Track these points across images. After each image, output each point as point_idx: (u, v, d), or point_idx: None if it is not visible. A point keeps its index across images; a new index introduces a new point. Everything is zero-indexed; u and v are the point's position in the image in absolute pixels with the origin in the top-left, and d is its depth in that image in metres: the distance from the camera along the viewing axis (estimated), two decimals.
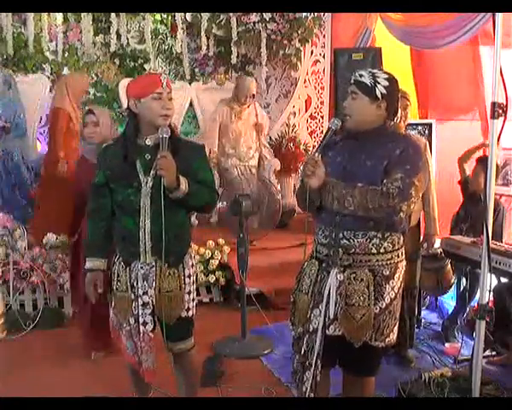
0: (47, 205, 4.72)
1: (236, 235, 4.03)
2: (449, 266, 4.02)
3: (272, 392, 3.24)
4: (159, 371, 2.63)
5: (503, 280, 3.62)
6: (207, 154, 3.33)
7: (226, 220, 4.40)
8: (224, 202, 4.62)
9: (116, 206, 2.55)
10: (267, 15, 5.94)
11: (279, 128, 6.45)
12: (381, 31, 5.85)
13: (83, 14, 5.82)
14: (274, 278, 4.72)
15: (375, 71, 2.36)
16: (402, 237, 2.40)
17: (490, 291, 2.47)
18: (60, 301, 4.59)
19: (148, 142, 2.48)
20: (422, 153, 2.36)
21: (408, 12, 4.93)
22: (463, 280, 4.12)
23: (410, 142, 2.36)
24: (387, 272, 2.32)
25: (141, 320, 2.52)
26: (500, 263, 3.22)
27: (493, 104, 2.36)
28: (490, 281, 2.45)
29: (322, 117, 6.65)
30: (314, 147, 2.44)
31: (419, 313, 4.29)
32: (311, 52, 6.46)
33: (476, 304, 3.31)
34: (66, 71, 6.19)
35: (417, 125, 5.16)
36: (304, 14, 6.09)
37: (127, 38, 6.15)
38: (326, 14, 6.32)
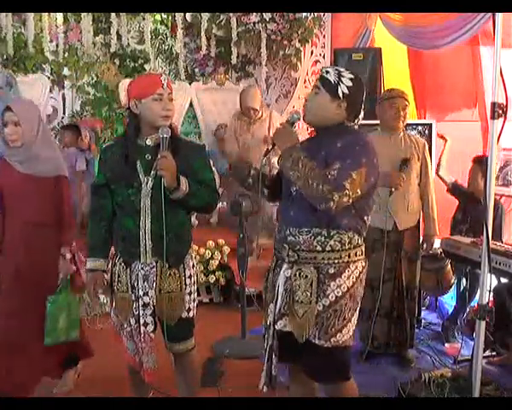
0: None
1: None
2: (449, 266, 4.02)
3: (272, 393, 3.23)
4: (159, 371, 2.63)
5: (503, 280, 3.62)
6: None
7: (226, 220, 4.41)
8: (224, 203, 4.63)
9: (116, 206, 2.55)
10: (267, 16, 5.93)
11: None
12: (381, 31, 5.84)
13: (83, 15, 5.82)
14: None
15: (342, 69, 2.34)
16: (358, 237, 2.34)
17: (490, 291, 2.46)
18: None
19: (149, 142, 2.48)
20: (370, 151, 2.28)
21: (408, 12, 4.93)
22: (463, 280, 4.12)
23: (358, 138, 2.32)
24: (332, 271, 2.29)
25: (141, 321, 2.52)
26: (500, 263, 3.22)
27: (493, 104, 2.36)
28: (490, 281, 2.45)
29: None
30: (301, 142, 2.44)
31: (419, 313, 4.29)
32: (311, 52, 6.45)
33: (476, 304, 3.31)
34: (66, 71, 6.19)
35: (417, 125, 5.15)
36: (304, 14, 6.08)
37: (127, 39, 6.16)
38: (326, 14, 6.31)
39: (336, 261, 2.30)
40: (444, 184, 4.41)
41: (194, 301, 2.61)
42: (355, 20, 6.03)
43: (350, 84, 2.29)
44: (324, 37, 6.43)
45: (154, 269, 2.51)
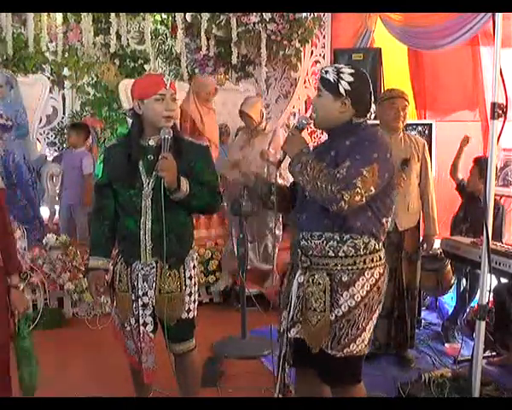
0: None
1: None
2: (449, 266, 4.02)
3: (272, 393, 3.23)
4: (159, 371, 2.63)
5: (503, 281, 3.62)
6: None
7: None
8: (225, 203, 4.62)
9: (118, 206, 2.55)
10: (267, 16, 5.94)
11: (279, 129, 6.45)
12: (380, 31, 5.84)
13: (83, 15, 5.82)
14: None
15: (340, 66, 2.26)
16: (375, 242, 2.24)
17: (490, 292, 2.46)
18: (60, 301, 4.59)
19: (152, 142, 2.48)
20: (381, 146, 2.20)
21: (408, 12, 4.94)
22: (463, 281, 4.12)
23: (367, 133, 2.23)
24: (346, 278, 2.20)
25: (141, 321, 2.52)
26: (500, 264, 3.22)
27: (493, 105, 2.35)
28: (490, 281, 2.44)
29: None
30: (314, 147, 2.41)
31: (419, 313, 4.29)
32: (311, 52, 6.46)
33: (476, 305, 3.31)
34: (66, 71, 6.20)
35: (417, 125, 5.14)
36: (304, 14, 6.09)
37: (127, 39, 6.15)
38: (326, 14, 6.32)
39: (350, 268, 2.20)
40: (448, 184, 4.40)
41: (194, 301, 2.60)
42: (355, 20, 6.04)
43: (351, 79, 2.20)
44: (324, 37, 6.44)
45: (154, 269, 2.51)
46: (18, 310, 2.61)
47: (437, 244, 3.89)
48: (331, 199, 2.09)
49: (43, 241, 4.67)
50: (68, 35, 5.97)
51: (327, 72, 2.25)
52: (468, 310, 4.11)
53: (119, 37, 6.05)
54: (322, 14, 6.27)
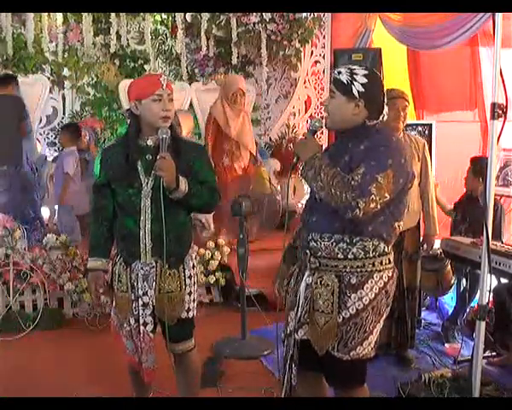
0: None
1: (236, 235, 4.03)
2: (449, 266, 4.02)
3: (272, 393, 3.24)
4: (159, 371, 2.63)
5: (503, 281, 3.62)
6: None
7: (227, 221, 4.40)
8: None
9: (117, 206, 2.56)
10: (267, 16, 5.94)
11: (279, 129, 6.45)
12: (380, 32, 5.84)
13: (83, 15, 5.81)
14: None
15: (354, 67, 2.22)
16: (385, 245, 2.22)
17: (490, 292, 2.46)
18: (60, 301, 4.59)
19: (150, 142, 2.49)
20: (396, 151, 2.16)
21: (408, 12, 4.94)
22: (463, 281, 4.12)
23: (381, 138, 2.20)
24: (354, 281, 2.19)
25: (141, 321, 2.52)
26: (500, 264, 3.22)
27: (493, 105, 2.35)
28: (490, 282, 2.44)
29: (322, 118, 6.62)
30: (325, 149, 2.39)
31: (419, 313, 4.29)
32: (311, 53, 6.45)
33: (476, 305, 3.31)
34: (66, 71, 6.19)
35: (417, 125, 5.15)
36: (304, 14, 6.09)
37: (127, 39, 6.14)
38: (326, 14, 6.32)
39: (359, 270, 2.19)
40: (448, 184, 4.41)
41: (194, 301, 2.60)
42: (355, 20, 6.04)
43: (364, 80, 2.17)
44: (324, 37, 6.44)
45: (154, 269, 2.51)
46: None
47: (437, 244, 3.89)
48: (346, 206, 2.07)
49: (43, 241, 4.67)
50: (68, 35, 5.96)
51: (340, 72, 2.22)
52: (468, 310, 4.11)
53: (119, 37, 6.03)
54: (322, 14, 6.27)
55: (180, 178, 2.40)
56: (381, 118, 2.25)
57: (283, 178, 6.26)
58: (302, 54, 6.31)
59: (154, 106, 2.43)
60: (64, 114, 6.36)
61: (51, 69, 6.10)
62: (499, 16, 2.37)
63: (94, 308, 4.42)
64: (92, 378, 3.45)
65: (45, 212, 5.50)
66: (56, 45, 5.94)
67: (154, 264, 2.51)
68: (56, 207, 5.38)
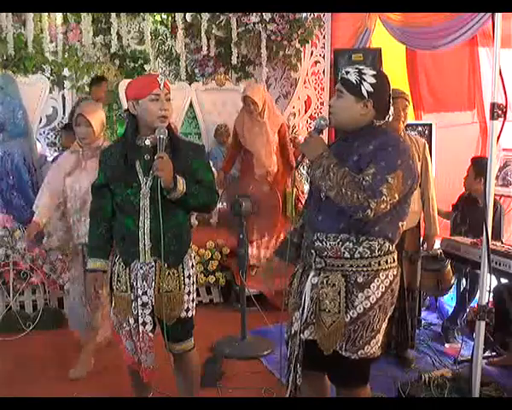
0: None
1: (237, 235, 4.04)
2: (449, 266, 4.02)
3: (272, 393, 3.24)
4: (159, 371, 2.63)
5: (503, 281, 3.62)
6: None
7: (226, 221, 4.40)
8: (224, 203, 4.62)
9: (116, 206, 2.56)
10: (267, 16, 5.94)
11: None
12: (380, 32, 5.84)
13: (83, 15, 5.82)
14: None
15: (362, 67, 2.23)
16: (389, 244, 2.24)
17: (490, 292, 2.46)
18: (60, 301, 4.59)
19: (148, 142, 2.49)
20: (404, 152, 2.18)
21: (408, 12, 4.93)
22: (463, 281, 4.12)
23: (390, 139, 2.21)
24: (361, 280, 2.19)
25: (140, 320, 2.52)
26: (500, 264, 3.22)
27: (492, 105, 2.36)
28: (490, 282, 2.45)
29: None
30: (328, 145, 2.38)
31: (419, 313, 4.29)
32: (311, 53, 6.45)
33: (476, 305, 3.31)
34: (66, 72, 6.20)
35: (417, 125, 5.15)
36: (304, 14, 6.09)
37: (127, 39, 6.15)
38: (326, 14, 6.32)
39: (365, 269, 2.19)
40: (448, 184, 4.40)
41: (193, 301, 2.60)
42: (355, 20, 6.04)
43: (373, 81, 2.18)
44: (324, 37, 6.44)
45: (153, 269, 2.51)
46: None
47: (437, 244, 3.89)
48: (357, 207, 2.08)
49: (43, 241, 4.66)
50: (68, 35, 5.96)
51: (348, 72, 2.22)
52: (468, 310, 4.11)
53: (119, 37, 6.04)
54: (322, 14, 6.27)
55: (178, 177, 2.39)
56: (386, 118, 2.26)
57: None
58: (302, 54, 6.31)
59: (151, 105, 2.43)
60: (64, 114, 6.37)
61: (51, 69, 6.11)
62: (499, 16, 2.37)
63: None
64: (92, 378, 3.45)
65: None
66: (56, 45, 5.94)
67: (153, 264, 2.51)
68: None
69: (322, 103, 6.62)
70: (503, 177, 4.96)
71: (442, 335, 4.18)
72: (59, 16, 5.85)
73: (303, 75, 6.45)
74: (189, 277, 2.57)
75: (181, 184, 2.40)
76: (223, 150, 5.90)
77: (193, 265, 2.61)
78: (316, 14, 6.17)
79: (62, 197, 3.51)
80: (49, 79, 6.02)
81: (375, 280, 2.21)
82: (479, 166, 4.02)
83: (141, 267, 2.52)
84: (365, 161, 2.15)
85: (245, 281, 4.06)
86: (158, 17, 6.49)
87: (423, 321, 4.43)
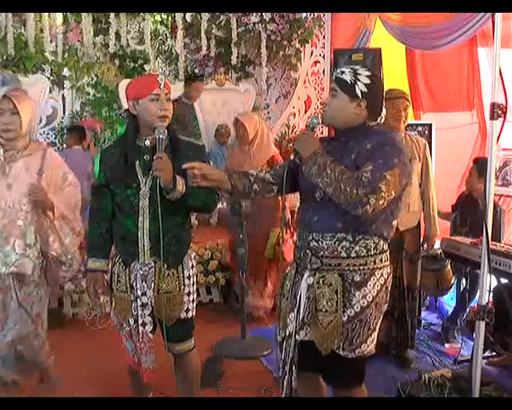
0: None
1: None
2: (449, 266, 4.02)
3: (272, 393, 3.24)
4: (159, 371, 2.63)
5: (503, 281, 3.62)
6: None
7: (226, 221, 4.40)
8: (224, 203, 4.62)
9: (116, 206, 2.55)
10: (267, 16, 5.94)
11: (279, 129, 6.45)
12: (380, 32, 5.84)
13: (83, 15, 5.82)
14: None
15: (357, 68, 2.26)
16: (384, 243, 2.26)
17: (490, 292, 2.46)
18: (60, 301, 4.59)
19: (148, 143, 2.48)
20: (401, 151, 2.19)
21: (408, 12, 4.93)
22: (463, 281, 4.12)
23: (386, 137, 2.23)
24: (358, 278, 2.20)
25: (140, 321, 2.52)
26: (500, 264, 3.23)
27: (492, 105, 2.35)
28: (490, 282, 2.44)
29: (322, 118, 6.62)
30: (321, 141, 2.38)
31: (419, 313, 4.29)
32: (311, 53, 6.45)
33: (476, 305, 3.31)
34: (66, 71, 6.20)
35: (417, 125, 5.14)
36: (304, 14, 6.09)
37: (127, 39, 6.15)
38: (326, 14, 6.32)
39: (362, 268, 2.21)
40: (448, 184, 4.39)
41: (193, 301, 2.60)
42: (354, 20, 6.04)
43: (367, 81, 2.21)
44: (324, 37, 6.44)
45: (153, 269, 2.51)
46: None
47: (437, 244, 3.89)
48: (357, 202, 2.08)
49: None
50: (68, 35, 5.96)
51: (343, 72, 2.25)
52: (467, 310, 4.11)
53: (118, 37, 6.04)
54: (322, 14, 6.27)
55: (177, 178, 2.39)
56: (378, 119, 2.28)
57: None
58: (302, 54, 6.31)
59: (151, 105, 2.43)
60: (64, 114, 6.37)
61: (51, 69, 6.11)
62: (499, 16, 2.36)
63: (94, 309, 4.42)
64: (92, 378, 3.45)
65: None
66: (56, 45, 5.94)
67: (152, 264, 2.51)
68: None
69: (322, 103, 6.62)
70: (502, 176, 4.96)
71: (442, 335, 4.18)
72: (59, 16, 5.86)
73: (303, 75, 6.45)
74: (188, 277, 2.57)
75: (180, 184, 2.40)
76: (223, 150, 5.90)
77: (193, 265, 2.61)
78: (316, 14, 6.17)
79: None
80: (49, 79, 6.02)
81: (372, 278, 2.23)
82: (481, 166, 4.02)
83: (140, 268, 2.52)
84: (363, 158, 2.16)
85: (245, 281, 4.05)
86: (158, 17, 6.49)
87: (423, 321, 4.43)
